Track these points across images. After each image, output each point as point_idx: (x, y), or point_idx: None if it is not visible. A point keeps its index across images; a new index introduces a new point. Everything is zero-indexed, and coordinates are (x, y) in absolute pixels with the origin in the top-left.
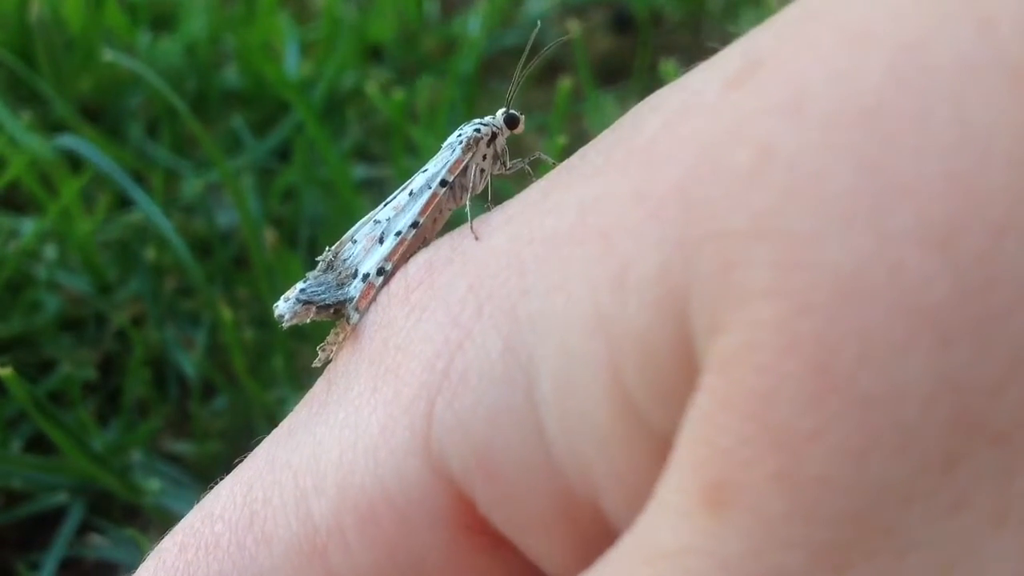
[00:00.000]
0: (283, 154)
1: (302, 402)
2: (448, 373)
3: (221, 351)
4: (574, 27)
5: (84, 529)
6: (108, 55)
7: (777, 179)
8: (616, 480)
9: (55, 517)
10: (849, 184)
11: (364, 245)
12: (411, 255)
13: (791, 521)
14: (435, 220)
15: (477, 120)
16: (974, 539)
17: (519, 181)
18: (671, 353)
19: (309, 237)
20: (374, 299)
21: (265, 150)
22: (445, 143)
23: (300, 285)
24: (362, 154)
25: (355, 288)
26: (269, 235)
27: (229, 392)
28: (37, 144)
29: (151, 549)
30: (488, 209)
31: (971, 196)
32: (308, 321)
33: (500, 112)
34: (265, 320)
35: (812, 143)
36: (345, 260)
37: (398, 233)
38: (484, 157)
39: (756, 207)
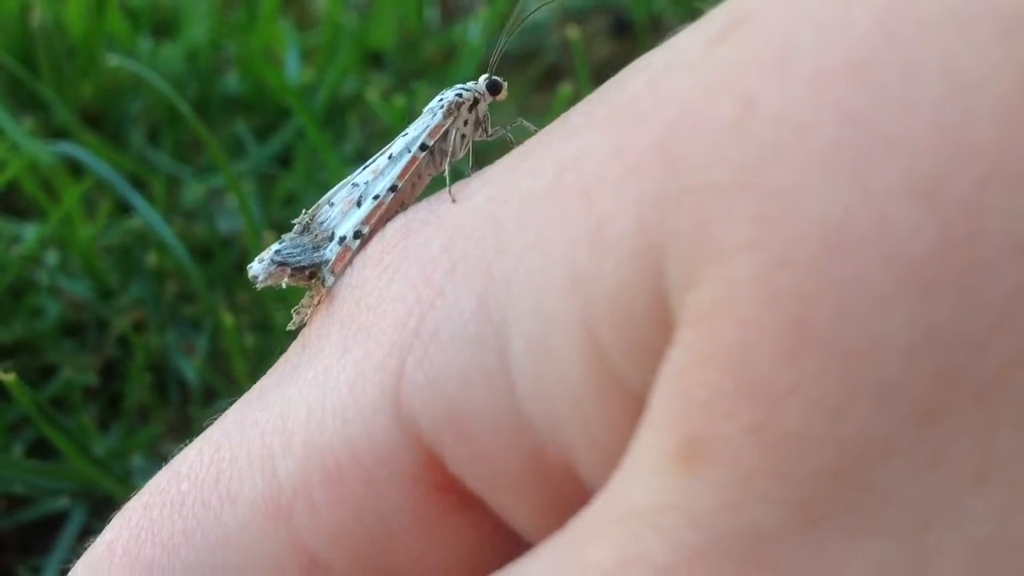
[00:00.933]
0: (284, 160)
1: (275, 365)
2: (419, 331)
3: (222, 356)
4: (574, 33)
5: (85, 534)
6: (111, 60)
7: (760, 132)
8: (590, 440)
9: (57, 522)
10: (834, 136)
11: (341, 208)
12: (389, 219)
13: (766, 476)
14: (414, 185)
15: (459, 85)
16: (953, 496)
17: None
18: (647, 310)
19: None
20: (350, 262)
21: (266, 156)
22: (426, 107)
23: (275, 247)
24: (363, 160)
25: (331, 251)
26: (270, 240)
27: (230, 397)
28: (38, 150)
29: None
30: (469, 175)
31: (958, 147)
32: (283, 284)
33: (483, 78)
34: (266, 325)
35: (797, 96)
36: (322, 223)
37: (376, 197)
38: (465, 122)
39: (738, 160)
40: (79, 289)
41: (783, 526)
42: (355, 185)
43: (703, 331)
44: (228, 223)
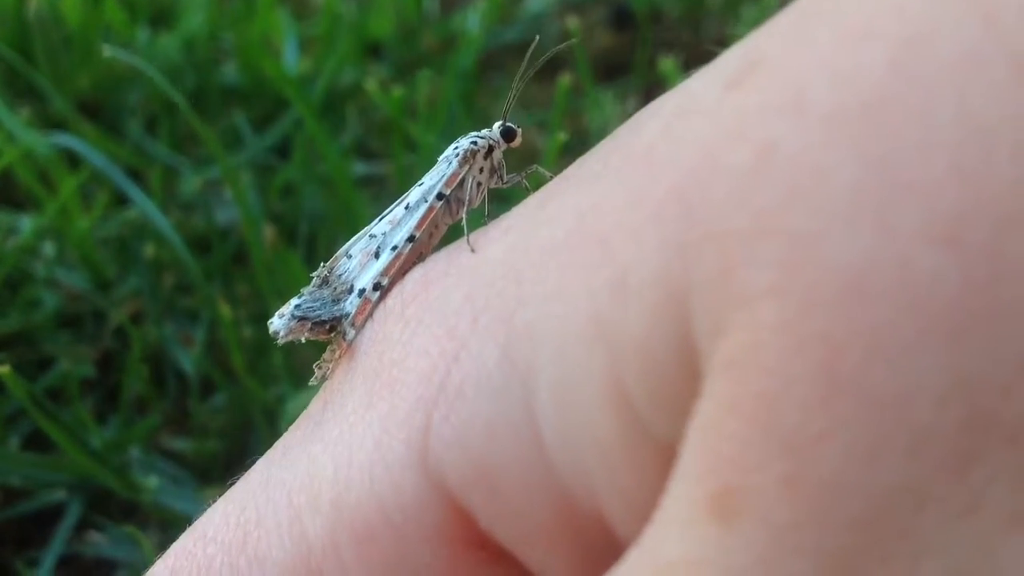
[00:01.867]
0: (282, 151)
1: (297, 421)
2: (444, 385)
3: (220, 348)
4: (573, 24)
5: (82, 526)
6: (107, 50)
7: (779, 177)
8: (619, 491)
9: (53, 514)
10: (853, 180)
11: (360, 260)
12: (407, 270)
13: (800, 528)
14: (431, 234)
15: (474, 133)
16: (990, 542)
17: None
18: (673, 358)
19: (308, 234)
20: (370, 315)
21: (264, 147)
22: (441, 156)
23: (295, 301)
24: (361, 151)
25: (351, 304)
26: (268, 232)
27: (228, 389)
28: (35, 140)
29: (149, 547)
30: (485, 223)
31: (977, 189)
32: (303, 338)
33: (497, 125)
34: (264, 317)
35: (814, 140)
36: (340, 275)
37: (394, 247)
38: (481, 170)
39: (758, 206)
40: (76, 281)
41: None
42: (372, 236)
43: (731, 381)
44: (226, 214)
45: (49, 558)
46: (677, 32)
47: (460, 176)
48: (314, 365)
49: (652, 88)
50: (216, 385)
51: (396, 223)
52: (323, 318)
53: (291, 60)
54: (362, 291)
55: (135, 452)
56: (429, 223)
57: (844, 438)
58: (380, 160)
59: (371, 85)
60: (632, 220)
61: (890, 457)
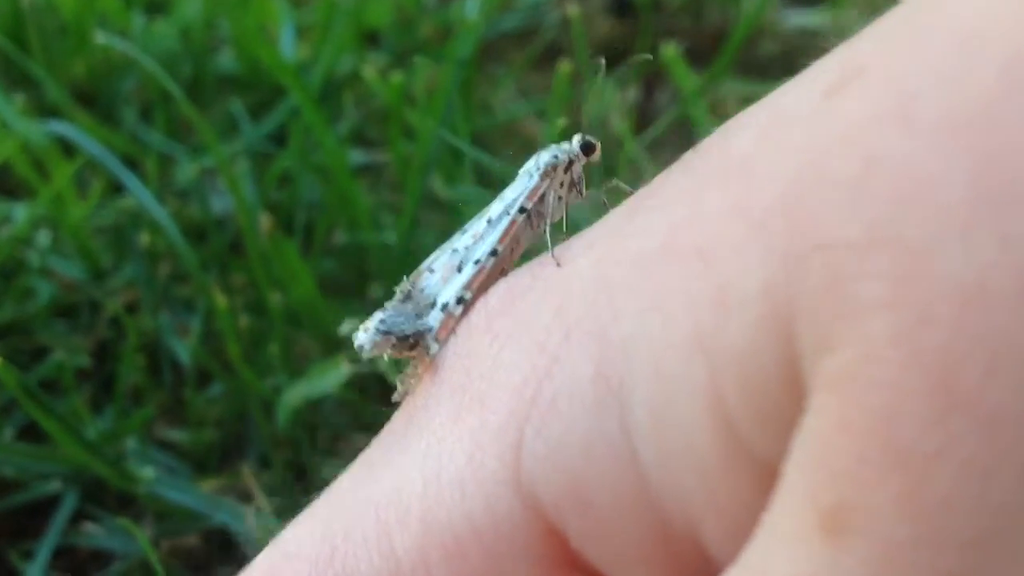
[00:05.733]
0: (279, 139)
1: (378, 437)
2: (536, 400)
3: (216, 338)
4: (573, 10)
5: (78, 518)
6: (101, 37)
7: (889, 187)
8: (717, 510)
9: (48, 506)
10: (967, 190)
11: (442, 274)
12: (490, 284)
13: (915, 546)
14: (513, 249)
15: (554, 146)
16: None
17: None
18: (776, 374)
19: (305, 223)
20: (454, 329)
21: (261, 135)
22: (522, 169)
23: (379, 315)
24: (359, 139)
25: (434, 318)
26: (264, 220)
27: (224, 379)
28: (29, 128)
29: (145, 538)
30: (565, 238)
31: None
32: (388, 354)
33: (576, 139)
34: (260, 307)
35: (924, 148)
36: (423, 290)
37: (477, 261)
38: (561, 184)
39: (867, 217)
40: (71, 270)
41: None
42: (455, 251)
43: (842, 395)
44: (222, 203)
45: (44, 550)
46: (678, 19)
47: (541, 190)
48: (396, 380)
49: (652, 76)
50: (212, 375)
51: (478, 237)
52: (407, 332)
53: (288, 48)
54: (445, 305)
55: (131, 443)
56: (511, 237)
57: (960, 455)
58: (378, 148)
59: (369, 73)
60: (732, 231)
61: (1007, 474)
